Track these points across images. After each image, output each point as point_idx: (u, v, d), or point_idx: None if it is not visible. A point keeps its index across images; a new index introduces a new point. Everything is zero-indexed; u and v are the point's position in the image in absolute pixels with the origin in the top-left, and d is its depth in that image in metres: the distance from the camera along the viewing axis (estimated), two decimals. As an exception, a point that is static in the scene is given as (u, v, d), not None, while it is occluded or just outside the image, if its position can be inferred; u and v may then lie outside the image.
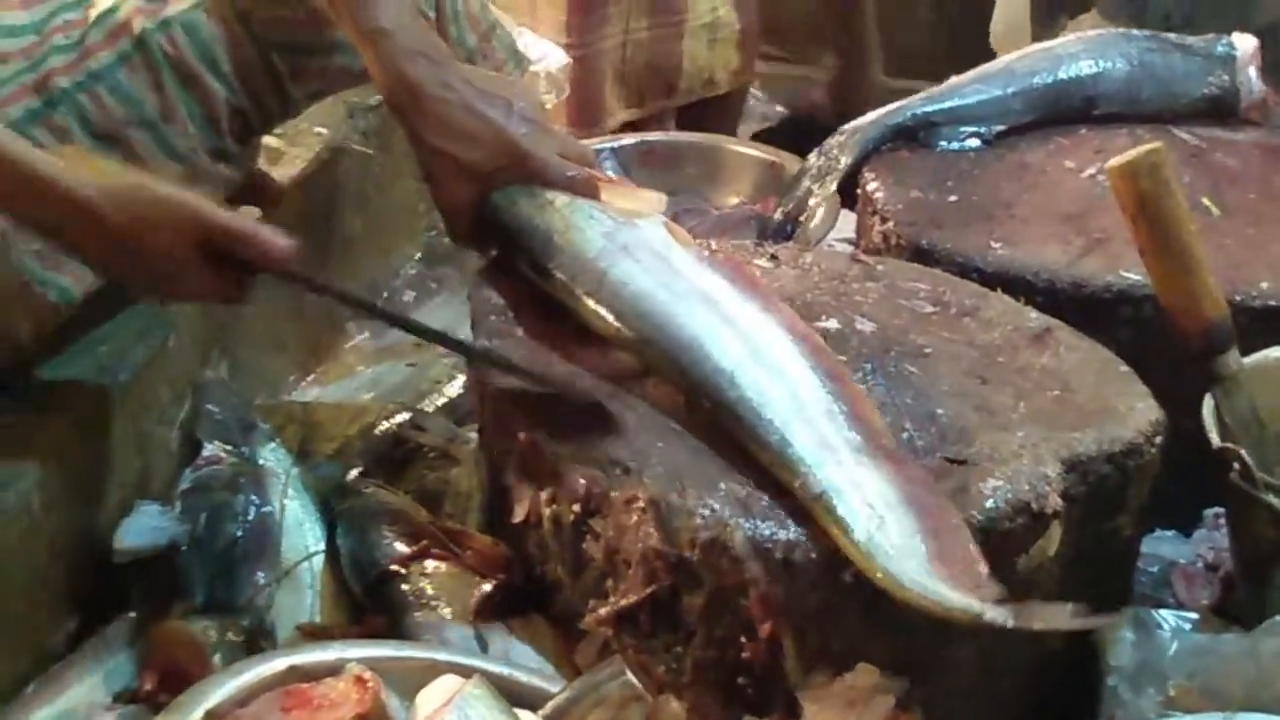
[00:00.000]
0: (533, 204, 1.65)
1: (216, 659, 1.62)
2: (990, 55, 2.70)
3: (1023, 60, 2.42)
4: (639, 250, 1.63)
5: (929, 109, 2.36)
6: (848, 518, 1.44)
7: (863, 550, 1.42)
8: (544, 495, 1.62)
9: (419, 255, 2.63)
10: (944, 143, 2.32)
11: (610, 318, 1.59)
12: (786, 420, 1.53)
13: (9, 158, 1.53)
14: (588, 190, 1.67)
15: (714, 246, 1.99)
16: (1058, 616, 1.40)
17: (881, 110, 2.39)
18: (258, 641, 1.67)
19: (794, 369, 1.58)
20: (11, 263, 1.72)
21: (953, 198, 2.17)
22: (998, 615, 1.37)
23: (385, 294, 2.54)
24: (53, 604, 1.68)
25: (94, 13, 1.82)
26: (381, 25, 1.64)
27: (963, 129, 2.34)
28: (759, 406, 1.54)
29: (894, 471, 1.49)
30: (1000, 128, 2.34)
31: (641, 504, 1.51)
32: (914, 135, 2.34)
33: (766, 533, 1.47)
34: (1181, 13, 2.75)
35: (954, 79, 2.42)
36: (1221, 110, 2.40)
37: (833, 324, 1.80)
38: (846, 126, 2.39)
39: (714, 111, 3.35)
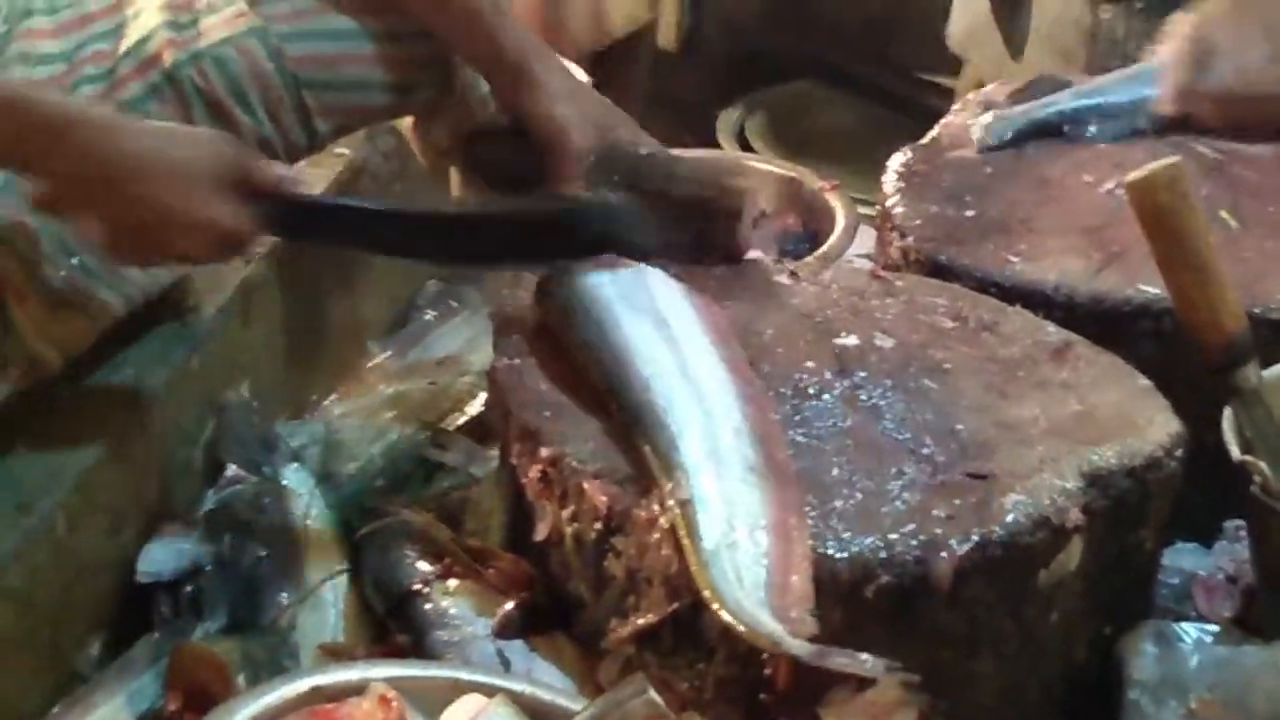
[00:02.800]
0: None
1: (240, 680, 1.63)
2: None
3: None
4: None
5: (1079, 104, 2.36)
6: (703, 529, 1.47)
7: (704, 562, 1.45)
8: (565, 513, 1.63)
9: (438, 275, 2.64)
10: (1091, 131, 2.33)
11: (572, 316, 1.74)
12: (684, 425, 1.57)
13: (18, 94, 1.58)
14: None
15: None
16: (854, 663, 1.40)
17: (1030, 104, 2.39)
18: (282, 662, 1.68)
19: (713, 386, 1.64)
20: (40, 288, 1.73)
21: (970, 213, 2.17)
22: (798, 649, 1.39)
23: (408, 312, 2.55)
24: (77, 625, 1.69)
25: (125, 44, 1.83)
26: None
27: (1115, 122, 2.34)
28: (664, 410, 1.59)
29: (774, 495, 1.52)
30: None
31: (664, 525, 1.52)
32: (1058, 130, 2.35)
33: (788, 549, 1.48)
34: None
35: (1101, 78, 2.43)
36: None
37: (852, 340, 1.81)
38: (987, 115, 2.38)
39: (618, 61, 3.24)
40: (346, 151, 2.41)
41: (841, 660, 1.40)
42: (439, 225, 1.91)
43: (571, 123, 1.93)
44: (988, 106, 2.42)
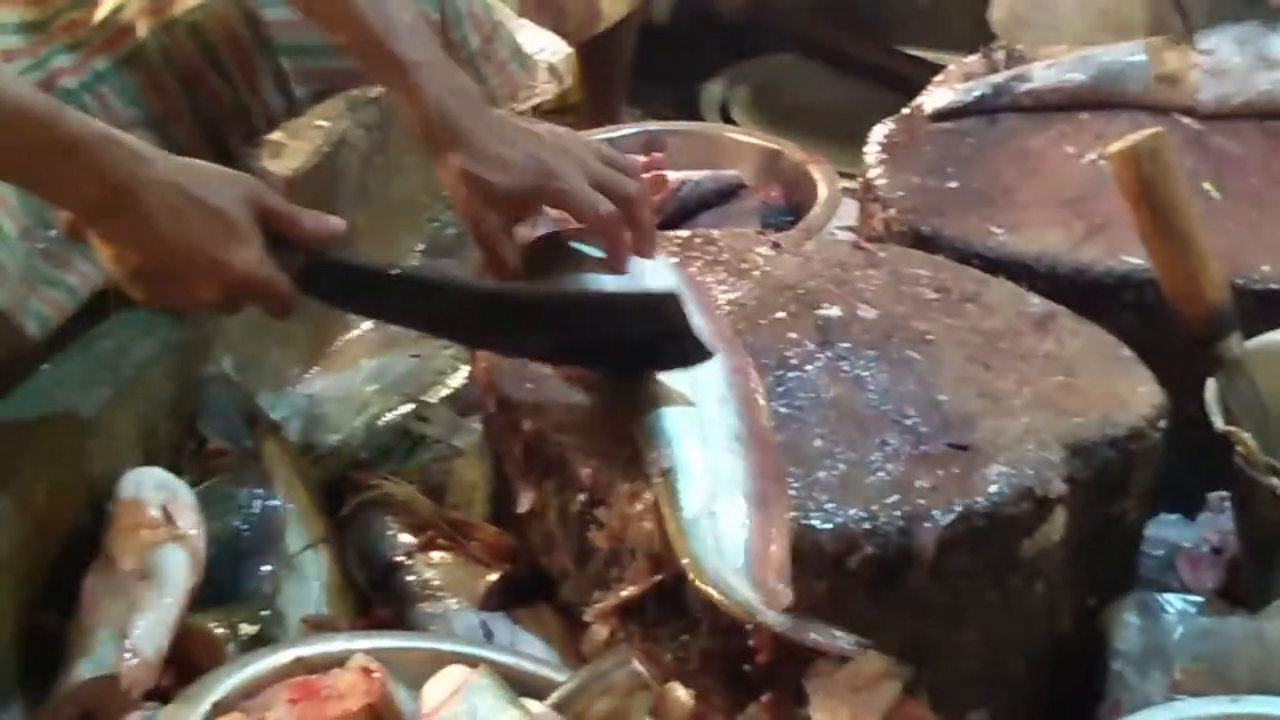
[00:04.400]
0: None
1: (230, 650, 1.63)
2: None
3: None
4: None
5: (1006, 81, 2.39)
6: (684, 498, 1.47)
7: (683, 531, 1.45)
8: (548, 486, 1.62)
9: (422, 247, 2.62)
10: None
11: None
12: (670, 394, 1.59)
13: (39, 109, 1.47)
14: (611, 229, 1.70)
15: (715, 235, 2.00)
16: (827, 639, 1.41)
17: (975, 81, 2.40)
18: (270, 634, 1.67)
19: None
20: (19, 261, 1.72)
21: (953, 184, 2.17)
22: (773, 620, 1.39)
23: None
24: (57, 598, 1.68)
25: (99, 13, 1.82)
26: (416, 58, 1.64)
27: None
28: (649, 379, 1.61)
29: (756, 464, 1.52)
30: None
31: (647, 497, 1.52)
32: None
33: (771, 520, 1.47)
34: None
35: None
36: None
37: (835, 311, 1.80)
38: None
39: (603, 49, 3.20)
40: (326, 123, 2.39)
41: (815, 636, 1.40)
42: (506, 306, 1.70)
43: (480, 200, 1.72)
44: (968, 78, 2.42)
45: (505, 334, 1.70)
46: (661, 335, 1.63)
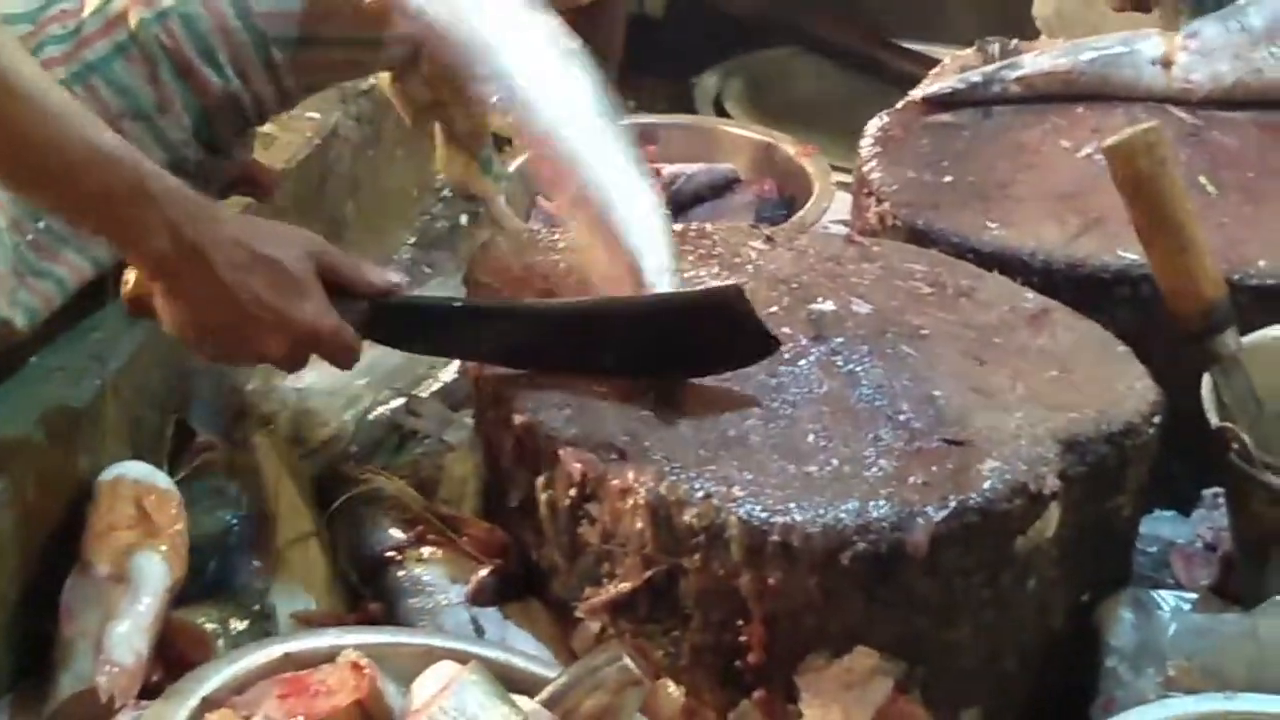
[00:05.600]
0: None
1: (219, 646, 1.62)
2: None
3: None
4: None
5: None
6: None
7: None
8: (540, 480, 1.62)
9: (413, 239, 2.63)
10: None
11: None
12: None
13: (131, 165, 1.50)
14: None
15: (709, 229, 1.99)
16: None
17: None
18: (260, 628, 1.67)
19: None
20: (7, 253, 1.71)
21: (948, 178, 2.16)
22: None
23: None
24: (47, 591, 1.67)
25: (91, 3, 1.81)
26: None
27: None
28: None
29: None
30: None
31: (637, 492, 1.51)
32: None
33: (764, 517, 1.47)
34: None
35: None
36: None
37: (829, 305, 1.80)
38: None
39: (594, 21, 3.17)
40: (318, 115, 2.39)
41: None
42: (564, 323, 1.74)
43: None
44: (964, 71, 2.41)
45: (579, 351, 1.70)
46: (732, 330, 1.66)
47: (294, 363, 1.65)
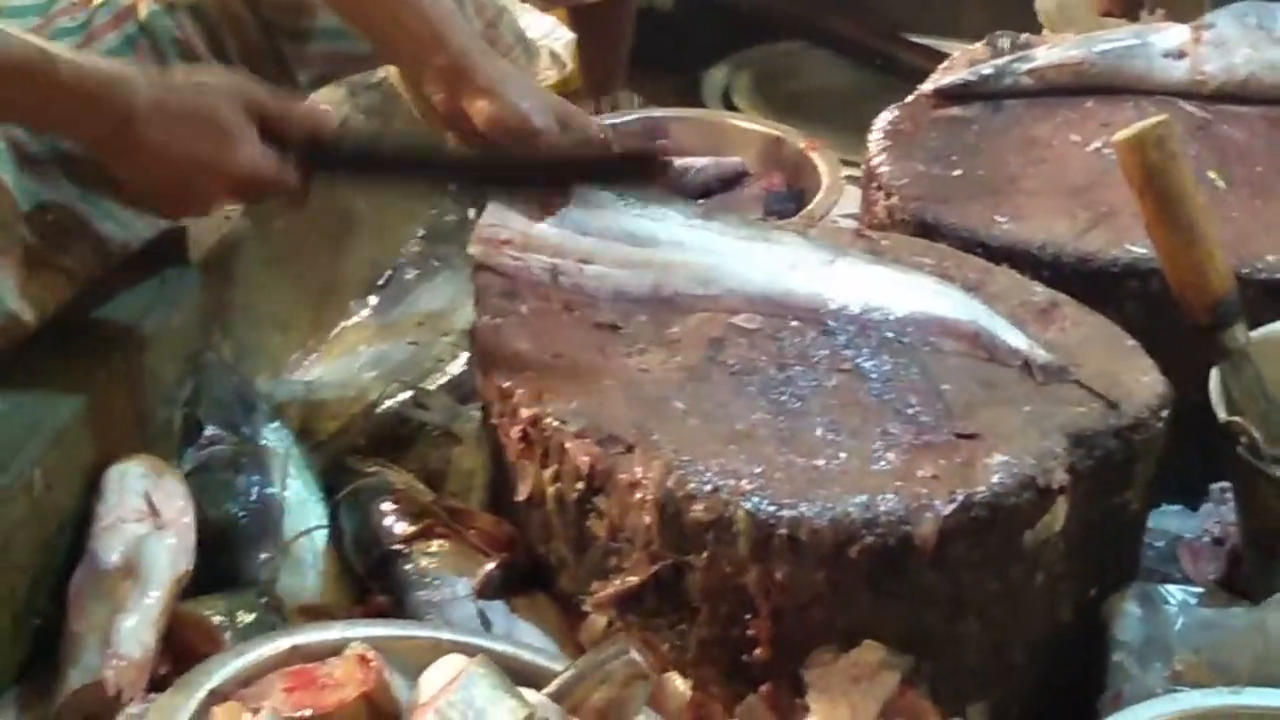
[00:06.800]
0: None
1: (227, 638, 1.62)
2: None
3: None
4: None
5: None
6: None
7: None
8: (547, 473, 1.62)
9: (422, 233, 2.62)
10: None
11: None
12: None
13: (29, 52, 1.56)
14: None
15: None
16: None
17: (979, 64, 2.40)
18: (267, 621, 1.67)
19: None
20: (16, 246, 1.71)
21: (957, 172, 2.16)
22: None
23: (389, 271, 2.53)
24: (54, 584, 1.67)
25: None
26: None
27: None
28: None
29: None
30: None
31: (645, 485, 1.51)
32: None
33: (771, 510, 1.47)
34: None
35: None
36: None
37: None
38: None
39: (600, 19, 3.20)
40: (327, 108, 2.39)
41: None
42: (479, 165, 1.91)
43: (534, 110, 1.88)
44: (974, 65, 2.41)
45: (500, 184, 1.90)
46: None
47: (246, 202, 1.80)
